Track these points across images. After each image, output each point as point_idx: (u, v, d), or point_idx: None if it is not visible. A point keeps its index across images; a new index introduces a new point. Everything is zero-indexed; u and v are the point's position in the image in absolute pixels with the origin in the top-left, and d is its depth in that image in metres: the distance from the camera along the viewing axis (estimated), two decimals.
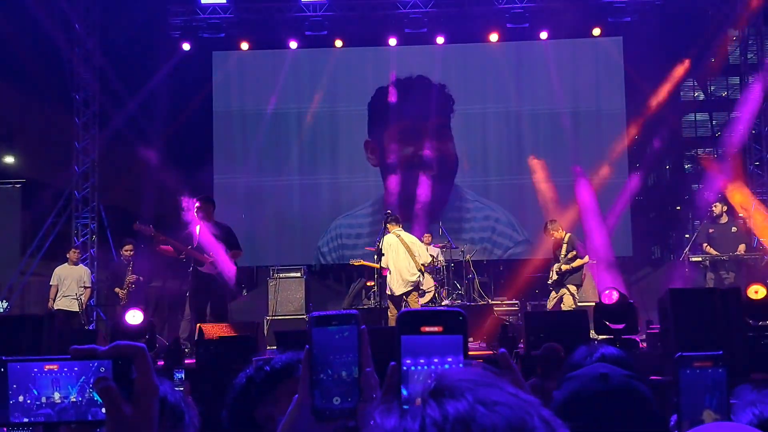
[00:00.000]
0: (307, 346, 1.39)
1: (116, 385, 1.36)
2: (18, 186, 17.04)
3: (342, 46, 17.91)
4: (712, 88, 20.66)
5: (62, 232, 16.43)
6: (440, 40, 17.71)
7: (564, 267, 13.27)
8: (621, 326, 10.35)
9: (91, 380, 1.39)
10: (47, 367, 1.40)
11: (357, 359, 1.38)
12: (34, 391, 1.40)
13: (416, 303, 13.32)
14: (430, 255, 14.49)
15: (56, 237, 16.28)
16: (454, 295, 15.00)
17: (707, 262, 12.91)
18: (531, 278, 15.92)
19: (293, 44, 17.74)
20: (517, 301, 15.23)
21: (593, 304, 12.10)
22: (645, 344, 10.38)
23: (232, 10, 17.42)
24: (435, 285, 14.13)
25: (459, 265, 15.47)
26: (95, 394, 1.38)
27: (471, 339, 11.37)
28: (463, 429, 1.02)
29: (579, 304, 13.69)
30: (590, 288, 14.77)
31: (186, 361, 10.23)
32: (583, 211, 17.08)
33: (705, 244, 13.01)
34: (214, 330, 10.06)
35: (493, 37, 17.61)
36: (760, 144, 16.18)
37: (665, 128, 17.61)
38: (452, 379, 1.11)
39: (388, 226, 13.35)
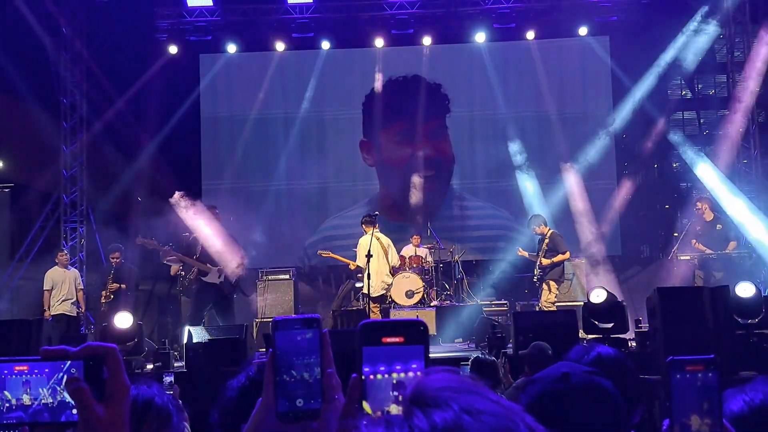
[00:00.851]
0: (270, 349, 1.40)
1: (88, 386, 1.36)
2: (6, 190, 16.96)
3: (329, 48, 17.90)
4: (700, 86, 20.67)
5: (51, 236, 16.37)
6: (427, 41, 17.72)
7: (544, 261, 13.33)
8: (610, 325, 10.39)
9: (63, 381, 1.38)
10: (17, 368, 1.40)
11: (319, 362, 1.38)
12: (5, 392, 1.39)
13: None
14: (419, 255, 14.53)
15: (45, 241, 16.23)
16: (443, 296, 15.01)
17: (696, 260, 12.96)
18: (520, 278, 15.93)
19: (280, 46, 17.73)
20: (506, 301, 15.25)
21: (582, 303, 12.15)
22: (634, 343, 10.40)
23: (218, 13, 17.41)
24: (423, 286, 14.15)
25: (448, 265, 15.49)
26: (66, 396, 1.38)
27: (459, 339, 11.43)
28: None
29: (568, 303, 13.74)
30: (579, 287, 14.83)
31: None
32: (571, 210, 17.10)
33: (694, 241, 13.06)
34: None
35: (480, 37, 17.61)
36: (748, 142, 16.23)
37: (653, 127, 17.62)
38: (433, 387, 1.11)
39: (366, 227, 13.42)
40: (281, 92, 18.40)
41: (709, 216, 13.28)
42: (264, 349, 10.68)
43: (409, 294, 13.97)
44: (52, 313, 13.31)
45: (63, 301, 13.48)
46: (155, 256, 13.78)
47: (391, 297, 13.89)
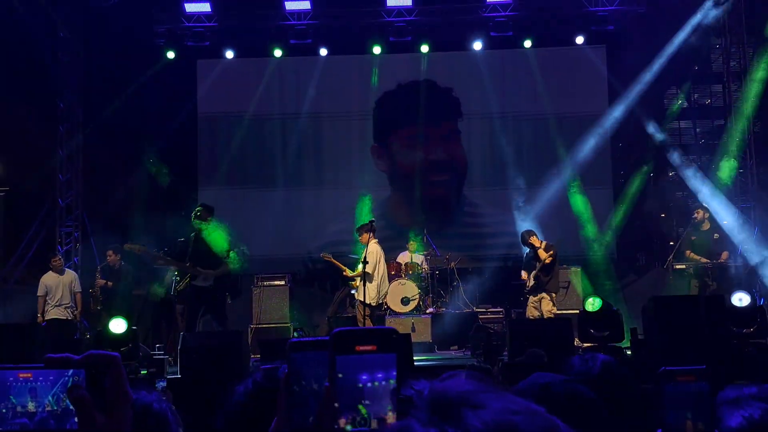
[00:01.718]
0: (286, 370, 1.43)
1: (89, 394, 1.37)
2: (1, 194, 16.93)
3: (326, 55, 17.91)
4: (696, 95, 20.72)
5: (46, 241, 16.34)
6: (424, 48, 17.75)
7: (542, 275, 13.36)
8: (605, 333, 10.39)
9: (65, 389, 1.39)
10: (21, 375, 1.40)
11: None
12: (11, 399, 1.39)
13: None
14: (415, 262, 14.53)
15: (40, 245, 16.19)
16: (438, 303, 15.00)
17: (691, 269, 12.96)
18: (515, 286, 15.92)
19: (278, 53, 17.73)
20: (501, 309, 15.24)
21: (577, 311, 12.15)
22: (630, 351, 10.39)
23: (216, 19, 17.43)
24: (419, 293, 14.14)
25: (444, 272, 15.47)
26: (69, 404, 1.38)
27: (455, 347, 11.44)
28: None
29: (563, 311, 13.75)
30: (574, 295, 14.83)
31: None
32: (567, 219, 17.12)
33: (688, 252, 13.06)
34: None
35: (477, 45, 17.65)
36: (744, 152, 16.24)
37: (649, 136, 17.65)
38: (457, 390, 1.11)
39: (370, 234, 13.35)
40: (279, 98, 18.41)
41: (706, 225, 13.29)
42: (259, 356, 10.66)
43: (405, 301, 13.96)
44: (46, 318, 13.29)
45: (56, 306, 13.45)
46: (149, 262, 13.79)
47: (386, 304, 13.88)
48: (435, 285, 15.14)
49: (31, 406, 1.39)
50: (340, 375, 1.29)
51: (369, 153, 18.29)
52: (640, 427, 2.54)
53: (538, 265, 13.31)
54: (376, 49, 17.73)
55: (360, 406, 1.26)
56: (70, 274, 14.06)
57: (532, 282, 13.33)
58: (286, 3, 17.23)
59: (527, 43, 17.57)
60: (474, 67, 18.13)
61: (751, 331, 9.35)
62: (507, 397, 1.10)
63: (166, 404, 2.52)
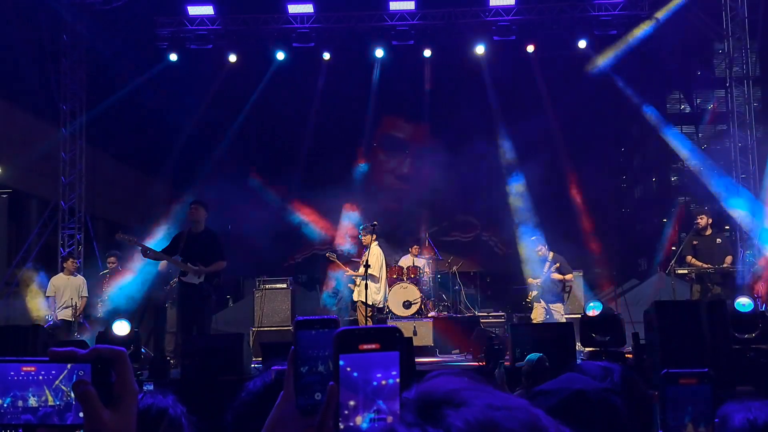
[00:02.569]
0: (293, 347, 1.45)
1: (95, 389, 1.36)
2: (4, 196, 16.96)
3: (329, 59, 17.93)
4: (698, 100, 20.75)
5: (48, 243, 16.35)
6: (427, 52, 17.76)
7: (557, 276, 13.37)
8: (606, 338, 10.38)
9: (70, 384, 1.38)
10: (24, 368, 1.39)
11: None
12: (12, 393, 1.39)
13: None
14: (417, 266, 14.53)
15: (42, 247, 16.21)
16: (440, 307, 14.99)
17: (693, 274, 12.94)
18: (517, 290, 15.92)
19: (280, 55, 17.75)
20: (503, 313, 15.24)
21: (579, 316, 12.14)
22: (631, 356, 10.37)
23: (219, 22, 17.44)
24: (421, 296, 14.13)
25: (445, 276, 15.47)
26: (74, 398, 1.37)
27: (457, 350, 11.43)
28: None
29: (565, 316, 13.75)
30: (576, 300, 14.82)
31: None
32: (570, 223, 17.12)
33: (690, 257, 13.04)
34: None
35: (480, 49, 17.66)
36: (746, 156, 16.24)
37: (651, 141, 17.66)
38: (443, 389, 1.12)
39: (372, 236, 13.37)
40: (281, 101, 18.43)
41: (708, 230, 13.28)
42: (260, 359, 10.66)
43: (407, 304, 13.94)
44: (57, 319, 13.35)
45: (64, 308, 13.48)
46: (150, 264, 13.79)
47: (388, 307, 13.87)
48: (437, 289, 15.13)
49: (33, 401, 1.38)
50: (350, 370, 1.30)
51: (371, 156, 18.30)
52: None
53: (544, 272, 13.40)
54: (379, 53, 17.75)
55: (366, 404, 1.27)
56: (80, 279, 14.08)
57: (539, 289, 13.41)
58: (289, 6, 17.25)
59: (530, 48, 17.58)
60: (476, 71, 18.17)
61: (753, 337, 9.34)
62: (489, 393, 1.11)
63: (181, 410, 2.53)
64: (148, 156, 17.35)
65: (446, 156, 18.61)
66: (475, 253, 18.21)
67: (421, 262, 14.89)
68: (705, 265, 12.85)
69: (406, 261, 14.85)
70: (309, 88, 18.45)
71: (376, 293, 13.36)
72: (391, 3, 17.30)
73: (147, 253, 11.47)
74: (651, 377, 8.61)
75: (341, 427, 1.22)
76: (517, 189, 17.89)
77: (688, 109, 20.74)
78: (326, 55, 17.82)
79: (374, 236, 13.34)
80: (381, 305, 13.55)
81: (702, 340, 8.61)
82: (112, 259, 13.63)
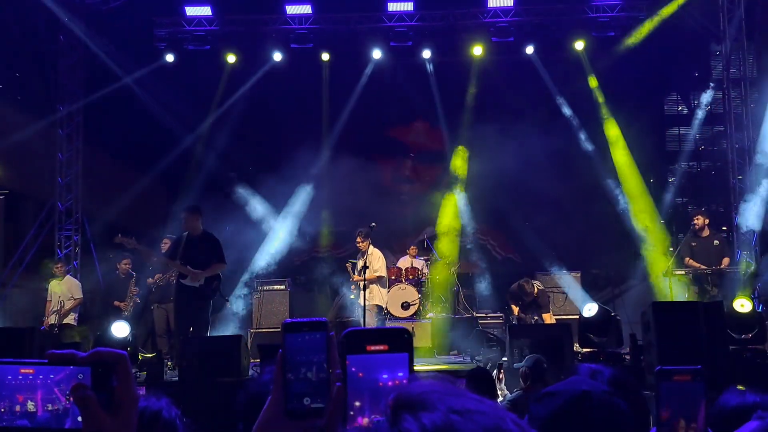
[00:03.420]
0: (281, 350, 1.45)
1: (95, 393, 1.34)
2: (1, 197, 16.94)
3: (328, 60, 17.93)
4: (695, 102, 20.77)
5: (45, 244, 16.34)
6: (426, 53, 17.77)
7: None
8: (604, 339, 10.40)
9: (69, 387, 1.36)
10: (23, 370, 1.37)
11: (326, 362, 1.43)
12: (9, 397, 1.36)
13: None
14: (415, 267, 14.53)
15: (39, 249, 16.19)
16: (438, 308, 14.99)
17: (690, 275, 12.96)
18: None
19: (278, 56, 17.74)
20: (501, 314, 15.24)
21: (576, 317, 12.16)
22: (629, 357, 10.39)
23: (217, 23, 17.44)
24: (419, 297, 14.13)
25: (444, 277, 15.47)
26: (72, 402, 1.35)
27: (455, 351, 11.43)
28: None
29: (563, 317, 13.79)
30: (573, 301, 14.85)
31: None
32: (567, 224, 17.12)
33: (687, 258, 13.05)
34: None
35: (478, 50, 17.66)
36: (743, 158, 16.26)
37: (649, 142, 17.67)
38: (417, 392, 1.13)
39: (369, 240, 13.38)
40: (280, 102, 18.41)
41: (706, 231, 13.29)
42: (258, 360, 10.66)
43: (405, 306, 13.94)
44: (48, 323, 13.35)
45: (53, 312, 13.49)
46: (146, 266, 13.81)
47: (386, 308, 13.87)
48: (435, 290, 15.14)
49: (30, 406, 1.36)
50: (356, 371, 1.30)
51: (371, 157, 18.27)
52: None
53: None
54: (377, 54, 17.75)
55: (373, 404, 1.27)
56: (70, 281, 14.06)
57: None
58: (287, 7, 17.26)
59: (529, 49, 17.59)
60: (476, 72, 18.19)
61: (750, 337, 9.37)
62: (458, 396, 1.11)
63: (176, 413, 2.53)
64: (146, 157, 17.31)
65: (445, 158, 18.64)
66: (473, 254, 18.19)
67: (419, 263, 14.89)
68: (702, 267, 12.86)
69: (404, 262, 14.85)
70: (307, 88, 18.44)
71: (385, 294, 13.54)
72: (389, 4, 17.31)
73: (149, 257, 11.49)
74: (648, 378, 8.62)
75: (347, 427, 1.22)
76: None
77: (685, 111, 20.73)
78: (325, 56, 17.81)
79: (370, 239, 13.35)
80: (385, 306, 13.64)
81: (699, 340, 8.62)
82: (125, 261, 13.66)
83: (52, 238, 16.49)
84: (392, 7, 17.34)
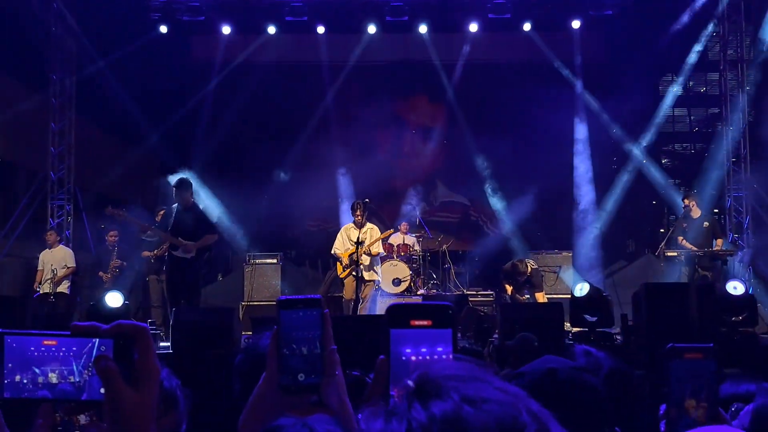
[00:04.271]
0: (276, 326, 1.47)
1: (117, 366, 1.35)
2: None
3: (323, 33, 17.83)
4: (691, 83, 20.75)
5: (37, 214, 16.29)
6: (422, 29, 17.68)
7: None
8: (594, 319, 10.42)
9: (91, 359, 1.36)
10: (45, 342, 1.38)
11: (320, 339, 1.45)
12: (33, 368, 1.37)
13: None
14: (407, 244, 14.52)
15: (31, 218, 16.14)
16: (429, 285, 15.02)
17: (682, 256, 13.00)
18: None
19: (272, 29, 17.63)
20: (492, 292, 15.27)
21: (568, 296, 12.19)
22: (620, 337, 10.43)
23: None
24: (411, 274, 14.15)
25: (435, 255, 15.50)
26: (94, 374, 1.36)
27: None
28: (450, 430, 1.02)
29: (555, 296, 13.84)
30: (565, 280, 14.90)
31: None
32: (559, 203, 17.17)
33: (681, 238, 13.09)
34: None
35: (473, 27, 17.60)
36: (738, 140, 16.27)
37: (643, 123, 17.68)
38: (436, 376, 1.11)
39: (364, 215, 13.30)
40: (275, 78, 18.35)
41: (696, 213, 13.32)
42: (251, 332, 10.68)
43: (396, 282, 13.96)
44: (41, 292, 13.36)
45: (47, 281, 13.49)
46: (138, 238, 13.80)
47: (378, 285, 13.86)
48: (426, 267, 15.16)
49: (52, 377, 1.37)
50: (400, 345, 1.30)
51: (363, 132, 18.22)
52: (638, 413, 2.57)
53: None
54: (372, 29, 17.66)
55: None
56: (63, 250, 14.05)
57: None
58: None
59: (526, 26, 17.51)
60: (470, 48, 18.16)
61: (740, 320, 9.40)
62: (479, 383, 1.09)
63: (176, 383, 2.53)
64: (139, 128, 17.24)
65: (441, 134, 18.64)
66: (464, 231, 18.23)
67: (411, 239, 14.90)
68: (694, 248, 12.91)
69: (396, 239, 14.86)
70: (302, 62, 18.37)
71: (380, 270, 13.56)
72: None
73: (139, 228, 11.49)
74: (638, 358, 8.67)
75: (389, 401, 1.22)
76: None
77: (680, 92, 20.73)
78: (320, 29, 17.71)
79: (365, 214, 13.29)
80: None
81: (690, 322, 8.66)
82: (112, 233, 13.63)
83: (44, 207, 16.42)
84: None
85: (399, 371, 1.30)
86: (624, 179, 17.88)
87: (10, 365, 1.37)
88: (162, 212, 12.95)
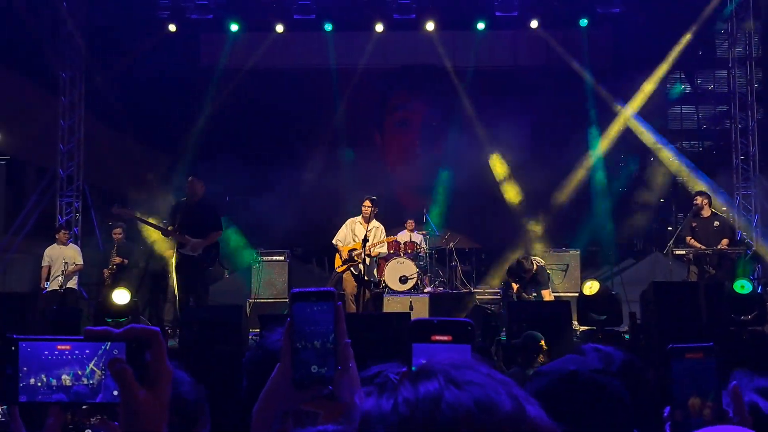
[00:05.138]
0: (289, 319, 1.48)
1: (130, 368, 1.37)
2: (2, 163, 16.91)
3: (331, 30, 17.83)
4: (699, 80, 20.72)
5: (46, 210, 16.34)
6: (430, 26, 17.66)
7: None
8: (603, 317, 10.42)
9: (104, 362, 1.39)
10: (59, 347, 1.40)
11: (333, 332, 1.46)
12: (47, 372, 1.39)
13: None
14: (413, 241, 14.51)
15: (40, 215, 16.20)
16: (436, 282, 15.00)
17: (691, 255, 12.97)
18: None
19: (280, 27, 17.64)
20: (499, 290, 15.27)
21: (576, 294, 12.18)
22: (628, 336, 10.42)
23: None
24: (417, 272, 14.13)
25: (442, 252, 15.48)
26: (108, 377, 1.38)
27: None
28: (431, 406, 1.07)
29: (562, 294, 13.82)
30: (573, 278, 14.87)
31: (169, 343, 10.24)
32: (566, 201, 17.15)
33: (689, 238, 13.05)
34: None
35: (481, 25, 17.59)
36: (746, 138, 16.24)
37: (651, 120, 17.64)
38: (432, 363, 1.16)
39: (374, 210, 13.30)
40: (282, 75, 18.37)
41: (707, 212, 13.29)
42: (258, 330, 10.70)
43: (403, 279, 13.93)
44: (48, 289, 13.38)
45: (57, 277, 13.51)
46: (150, 234, 13.83)
47: (384, 282, 13.85)
48: (433, 264, 15.15)
49: (66, 380, 1.39)
50: (421, 359, 1.32)
51: (370, 133, 18.26)
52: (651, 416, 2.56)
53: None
54: (379, 27, 17.66)
55: None
56: (73, 248, 14.09)
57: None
58: None
59: (533, 24, 17.48)
60: (478, 45, 18.15)
61: (749, 319, 9.39)
62: (471, 371, 1.13)
63: (202, 392, 2.55)
64: (148, 126, 17.29)
65: (446, 133, 18.62)
66: (471, 229, 18.20)
67: (417, 237, 14.88)
68: (703, 247, 12.87)
69: (403, 236, 14.84)
70: (310, 59, 18.38)
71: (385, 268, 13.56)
72: None
73: (147, 226, 11.52)
74: (647, 357, 8.66)
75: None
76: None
77: (688, 89, 20.67)
78: (328, 27, 17.70)
79: (375, 210, 13.29)
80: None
81: (699, 321, 8.66)
82: (117, 230, 13.65)
83: (53, 204, 16.48)
84: None
85: None
86: (633, 177, 17.86)
87: (25, 369, 1.40)
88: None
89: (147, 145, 17.53)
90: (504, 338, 10.15)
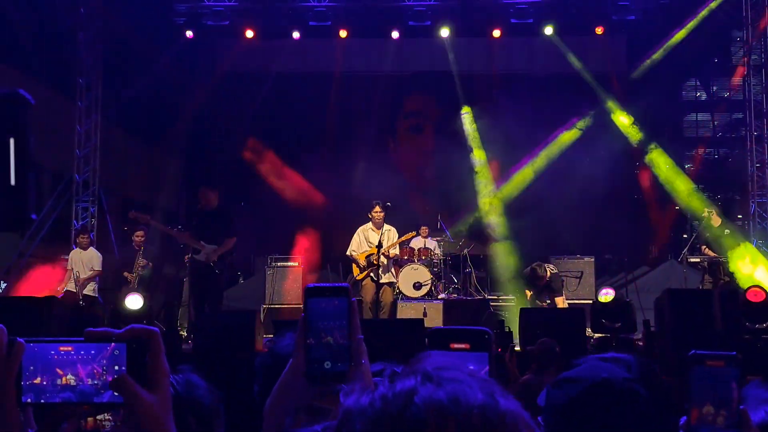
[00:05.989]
0: (303, 314, 1.48)
1: (130, 368, 1.40)
2: None
3: (346, 37, 17.87)
4: (714, 88, 20.65)
5: (62, 216, 16.41)
6: (444, 32, 17.68)
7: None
8: (617, 325, 10.40)
9: (106, 362, 1.41)
10: (62, 348, 1.43)
11: (347, 327, 1.46)
12: (52, 372, 1.42)
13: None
14: (428, 248, 14.49)
15: (56, 220, 16.27)
16: (450, 289, 15.00)
17: (705, 263, 12.93)
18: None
19: (296, 34, 17.69)
20: (513, 297, 15.23)
21: (590, 301, 12.15)
22: (642, 343, 10.39)
23: None
24: (432, 278, 14.12)
25: (456, 258, 15.47)
26: (112, 377, 1.41)
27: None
28: (405, 400, 1.08)
29: (576, 301, 13.77)
30: (587, 286, 14.83)
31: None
32: (580, 209, 17.10)
33: (704, 246, 13.02)
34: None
35: (496, 32, 17.60)
36: (762, 146, 16.16)
37: (667, 127, 17.60)
38: (421, 365, 1.17)
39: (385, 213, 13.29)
40: (301, 81, 18.44)
41: (716, 221, 13.25)
42: (272, 335, 10.73)
43: (417, 286, 13.93)
44: (64, 290, 13.46)
45: (72, 280, 13.59)
46: (164, 238, 13.88)
47: (398, 288, 13.86)
48: (447, 271, 15.13)
49: (71, 380, 1.42)
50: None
51: (384, 139, 18.28)
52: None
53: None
54: (395, 34, 17.69)
55: None
56: (93, 252, 14.16)
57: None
58: None
59: (548, 30, 17.47)
60: (494, 53, 18.17)
61: (764, 327, 9.35)
62: (453, 371, 1.14)
63: (218, 395, 2.56)
64: (163, 132, 17.37)
65: (459, 139, 18.62)
66: (485, 236, 18.19)
67: (432, 243, 14.88)
68: (717, 256, 12.84)
69: (417, 242, 14.84)
70: (325, 66, 18.44)
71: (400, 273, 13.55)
72: None
73: (162, 231, 11.58)
74: (661, 364, 8.64)
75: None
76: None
77: (704, 97, 20.61)
78: (343, 33, 17.74)
79: (385, 215, 13.29)
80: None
81: (713, 328, 8.62)
82: (139, 233, 13.71)
83: (69, 209, 16.55)
84: None
85: None
86: (649, 185, 17.81)
87: (31, 368, 1.42)
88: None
89: (163, 151, 17.59)
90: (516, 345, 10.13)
